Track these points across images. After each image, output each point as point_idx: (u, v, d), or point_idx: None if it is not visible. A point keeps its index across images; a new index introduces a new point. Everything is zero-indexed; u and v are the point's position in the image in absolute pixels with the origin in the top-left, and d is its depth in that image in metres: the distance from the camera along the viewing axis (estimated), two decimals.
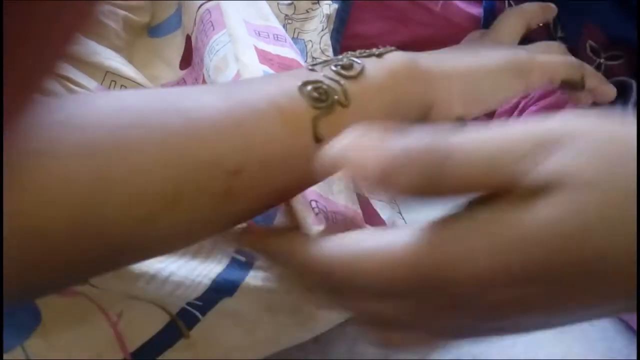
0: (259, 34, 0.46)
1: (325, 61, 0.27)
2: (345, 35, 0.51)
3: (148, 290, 0.34)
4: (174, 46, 0.53)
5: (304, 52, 0.50)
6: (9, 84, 0.13)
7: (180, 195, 0.21)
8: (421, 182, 0.18)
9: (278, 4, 0.54)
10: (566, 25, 0.43)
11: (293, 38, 0.51)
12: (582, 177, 0.18)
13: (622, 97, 0.51)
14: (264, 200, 0.25)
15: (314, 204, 0.39)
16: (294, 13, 0.55)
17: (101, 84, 0.42)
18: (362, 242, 0.21)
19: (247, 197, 0.23)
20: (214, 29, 0.48)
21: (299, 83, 0.24)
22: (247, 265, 0.36)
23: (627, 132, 0.18)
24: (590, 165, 0.18)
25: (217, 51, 0.46)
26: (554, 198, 0.17)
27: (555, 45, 0.36)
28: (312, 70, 0.26)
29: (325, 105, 0.24)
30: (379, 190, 0.21)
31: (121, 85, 0.42)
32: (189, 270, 0.35)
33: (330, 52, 0.49)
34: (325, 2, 0.54)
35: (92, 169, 0.19)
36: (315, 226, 0.37)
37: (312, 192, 0.38)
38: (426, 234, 0.19)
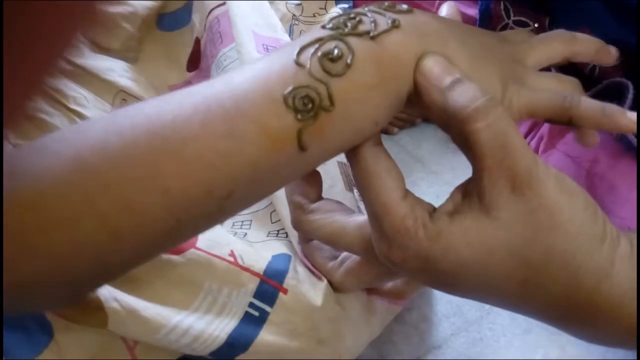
0: (267, 49, 0.46)
1: (315, 41, 0.26)
2: None
3: (166, 341, 0.34)
4: (182, 44, 0.54)
5: None
6: (9, 84, 0.13)
7: (180, 224, 0.24)
8: None
9: (286, 3, 0.54)
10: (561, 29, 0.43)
11: None
12: (511, 220, 0.24)
13: (618, 98, 0.51)
14: (251, 204, 0.27)
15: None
16: (301, 14, 0.55)
17: (112, 102, 0.44)
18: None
19: (237, 208, 0.26)
20: (222, 41, 0.48)
21: (286, 91, 0.24)
22: (260, 320, 0.36)
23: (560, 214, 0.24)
24: (525, 220, 0.24)
25: (225, 67, 0.46)
26: (494, 222, 0.25)
27: (567, 82, 0.33)
28: (298, 65, 0.25)
29: (310, 115, 0.24)
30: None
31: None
32: (206, 323, 0.35)
33: None
34: (334, 9, 0.54)
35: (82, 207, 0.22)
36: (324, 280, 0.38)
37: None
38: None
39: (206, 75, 0.50)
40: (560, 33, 0.33)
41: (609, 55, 0.34)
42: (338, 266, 0.36)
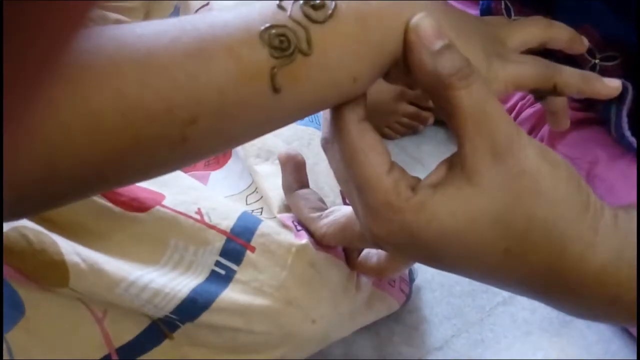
0: None
1: None
2: None
3: (127, 296, 0.33)
4: None
5: None
6: (8, 86, 0.12)
7: (139, 141, 0.23)
8: None
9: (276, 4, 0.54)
10: None
11: None
12: (495, 189, 0.25)
13: (617, 99, 0.52)
14: (219, 145, 0.26)
15: (296, 224, 0.39)
16: None
17: None
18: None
19: (203, 143, 0.25)
20: None
21: (262, 27, 0.24)
22: (226, 279, 0.36)
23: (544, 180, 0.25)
24: (507, 187, 0.24)
25: None
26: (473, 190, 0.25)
27: (537, 59, 0.34)
28: (280, 8, 0.25)
29: (286, 54, 0.24)
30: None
31: None
32: (168, 279, 0.35)
33: None
34: None
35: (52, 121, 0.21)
36: (298, 240, 0.38)
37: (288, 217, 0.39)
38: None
39: None
40: (538, 18, 0.35)
41: (580, 44, 0.35)
42: (323, 217, 0.36)
